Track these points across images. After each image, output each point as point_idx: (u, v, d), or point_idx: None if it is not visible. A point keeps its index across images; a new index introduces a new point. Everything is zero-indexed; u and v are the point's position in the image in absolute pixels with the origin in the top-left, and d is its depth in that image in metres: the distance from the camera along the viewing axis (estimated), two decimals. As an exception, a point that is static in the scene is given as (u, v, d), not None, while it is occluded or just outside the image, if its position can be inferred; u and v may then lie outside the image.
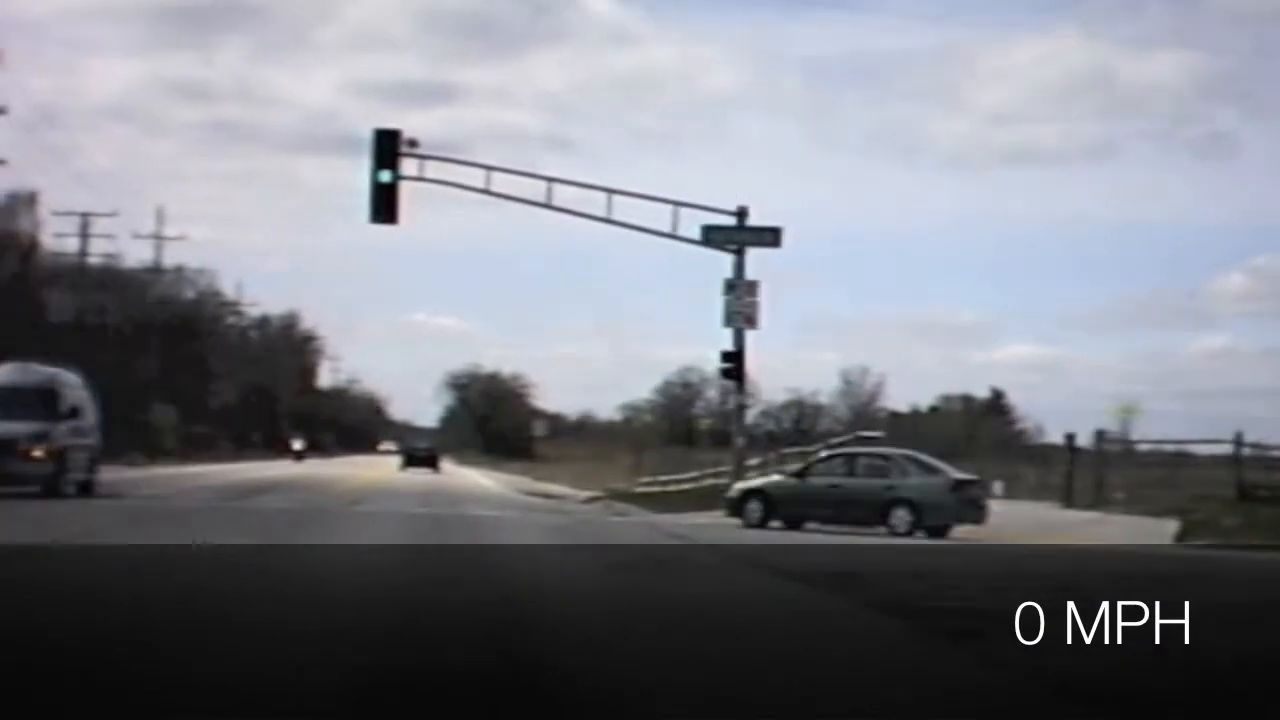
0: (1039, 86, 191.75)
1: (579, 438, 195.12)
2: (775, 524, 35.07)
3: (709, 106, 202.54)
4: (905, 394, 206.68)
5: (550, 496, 54.94)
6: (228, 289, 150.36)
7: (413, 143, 42.51)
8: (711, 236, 42.64)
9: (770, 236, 42.71)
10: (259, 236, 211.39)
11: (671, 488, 63.95)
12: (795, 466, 40.02)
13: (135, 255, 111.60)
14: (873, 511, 34.78)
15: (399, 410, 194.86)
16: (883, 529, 34.24)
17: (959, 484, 35.63)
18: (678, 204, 43.00)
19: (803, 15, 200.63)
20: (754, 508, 35.92)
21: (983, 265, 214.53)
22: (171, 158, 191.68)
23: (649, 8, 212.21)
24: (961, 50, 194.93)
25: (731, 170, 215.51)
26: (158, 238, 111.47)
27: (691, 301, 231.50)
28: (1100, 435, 47.29)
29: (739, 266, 42.56)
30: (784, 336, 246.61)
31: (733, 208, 43.04)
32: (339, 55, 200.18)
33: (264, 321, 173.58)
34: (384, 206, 41.72)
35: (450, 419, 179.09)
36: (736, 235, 42.73)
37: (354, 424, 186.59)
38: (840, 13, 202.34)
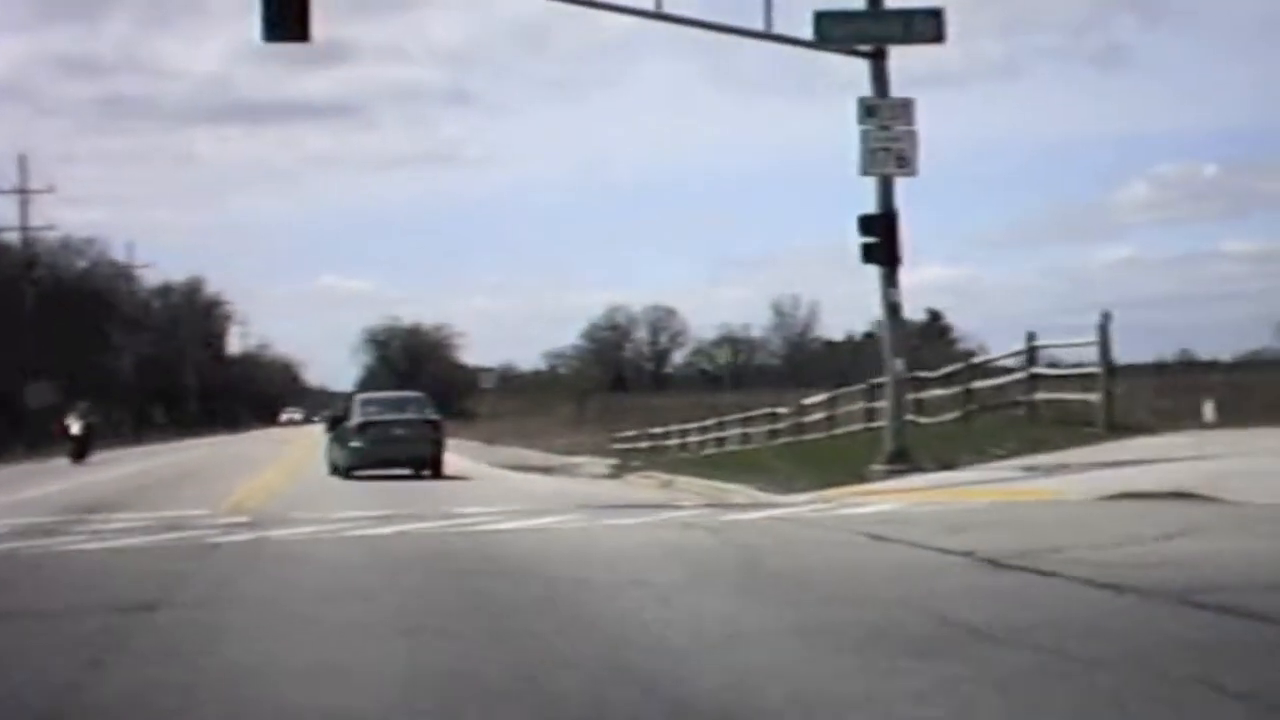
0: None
1: (505, 391, 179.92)
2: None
3: (608, 50, 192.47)
4: (831, 324, 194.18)
5: (574, 473, 35.00)
6: (122, 258, 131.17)
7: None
8: (831, 32, 23.86)
9: (927, 25, 23.83)
10: (158, 212, 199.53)
11: (693, 444, 45.69)
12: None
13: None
14: None
15: (315, 376, 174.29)
16: None
17: None
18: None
19: None
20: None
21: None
22: (64, 136, 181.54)
23: None
24: None
25: (634, 114, 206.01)
26: (21, 192, 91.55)
27: (600, 244, 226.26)
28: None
29: (878, 77, 23.70)
30: (701, 274, 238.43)
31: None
32: (230, 19, 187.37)
33: (165, 290, 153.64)
34: (289, 17, 22.76)
35: (370, 379, 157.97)
36: (873, 27, 23.99)
37: (267, 393, 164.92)
38: None
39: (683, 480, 25.24)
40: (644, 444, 53.22)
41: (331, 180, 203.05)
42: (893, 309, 23.53)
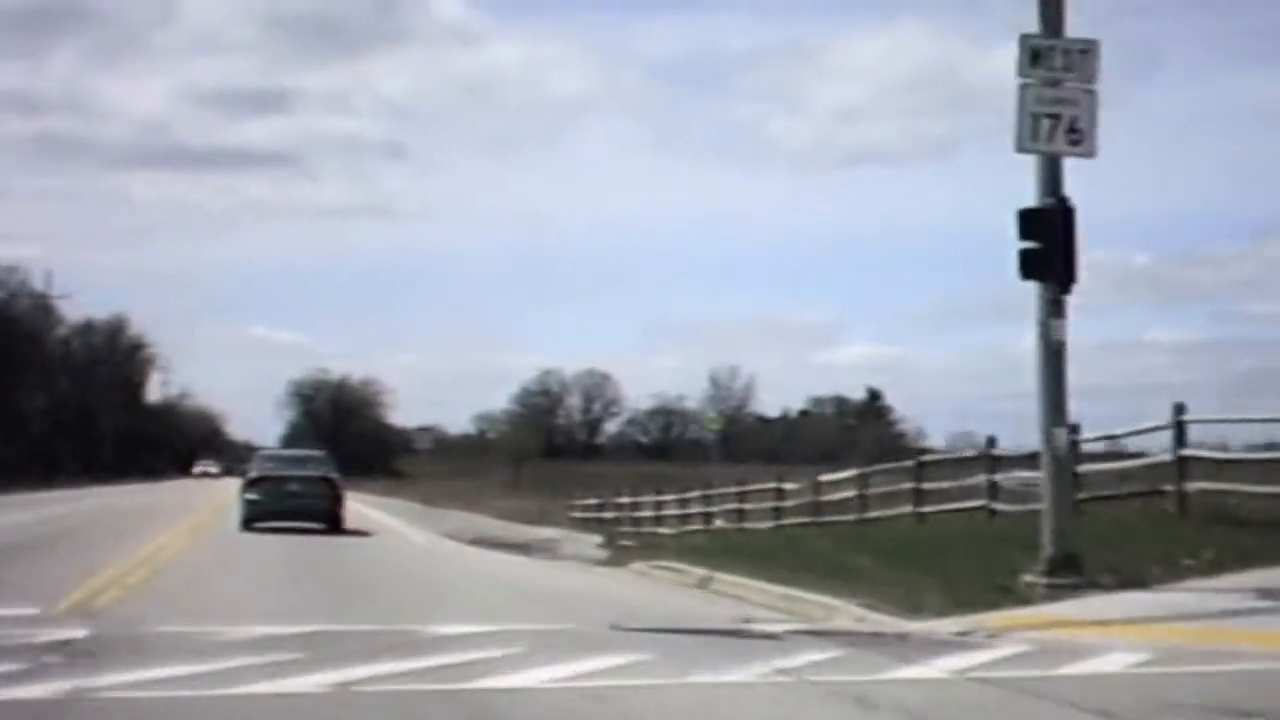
0: (882, 84, 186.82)
1: (434, 452, 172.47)
2: None
3: (552, 110, 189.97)
4: (766, 399, 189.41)
5: (557, 554, 26.76)
6: (42, 288, 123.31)
7: None
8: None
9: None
10: (88, 253, 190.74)
11: (671, 518, 39.02)
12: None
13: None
14: None
15: (239, 429, 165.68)
16: None
17: None
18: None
19: (646, 15, 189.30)
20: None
21: (824, 266, 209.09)
22: None
23: (493, 8, 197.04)
24: (805, 48, 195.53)
25: (572, 174, 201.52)
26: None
27: (535, 306, 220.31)
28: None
29: (1049, 11, 16.51)
30: (631, 340, 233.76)
31: None
32: (174, 61, 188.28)
33: (86, 328, 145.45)
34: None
35: (294, 436, 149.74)
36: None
37: (188, 444, 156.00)
38: (685, 13, 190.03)
39: (726, 580, 18.14)
40: (608, 514, 46.56)
41: (267, 229, 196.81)
42: (1055, 350, 15.78)
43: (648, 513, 41.57)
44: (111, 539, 26.30)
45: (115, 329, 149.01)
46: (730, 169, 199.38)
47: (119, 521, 34.43)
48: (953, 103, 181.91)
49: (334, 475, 34.45)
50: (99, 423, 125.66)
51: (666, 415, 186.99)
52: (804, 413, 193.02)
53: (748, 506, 33.71)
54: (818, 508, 29.39)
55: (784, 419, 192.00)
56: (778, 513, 31.61)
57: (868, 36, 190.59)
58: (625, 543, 27.63)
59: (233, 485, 50.40)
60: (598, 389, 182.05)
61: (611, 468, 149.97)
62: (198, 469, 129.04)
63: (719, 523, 34.63)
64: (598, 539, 28.96)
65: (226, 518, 33.46)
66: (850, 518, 27.26)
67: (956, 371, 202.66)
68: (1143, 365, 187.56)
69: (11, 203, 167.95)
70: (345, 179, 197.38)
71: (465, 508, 62.83)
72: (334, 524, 32.93)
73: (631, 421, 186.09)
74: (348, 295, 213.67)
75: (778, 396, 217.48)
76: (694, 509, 37.54)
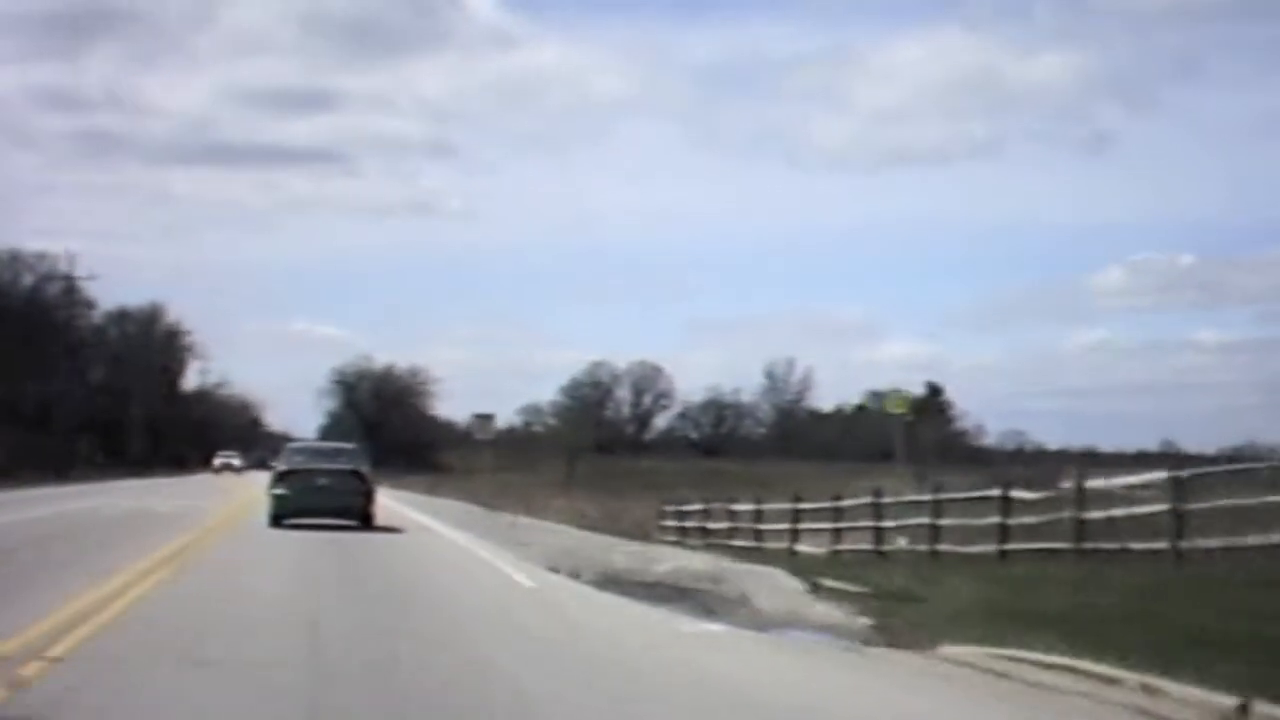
0: (925, 86, 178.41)
1: (476, 447, 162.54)
2: None
3: (594, 111, 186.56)
4: (819, 394, 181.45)
5: (739, 604, 16.46)
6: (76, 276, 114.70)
7: None
8: None
9: None
10: (131, 249, 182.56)
11: (806, 540, 29.67)
12: None
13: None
14: None
15: (279, 421, 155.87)
16: None
17: None
18: None
19: (690, 18, 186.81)
20: None
21: (866, 265, 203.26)
22: (40, 169, 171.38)
23: (534, 11, 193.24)
24: (848, 50, 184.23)
25: (614, 174, 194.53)
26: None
27: (577, 303, 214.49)
28: None
29: None
30: (672, 337, 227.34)
31: None
32: (216, 62, 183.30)
33: (122, 316, 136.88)
34: None
35: (333, 426, 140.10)
36: None
37: (224, 435, 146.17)
38: (727, 14, 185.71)
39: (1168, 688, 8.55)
40: (716, 523, 37.30)
41: (309, 226, 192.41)
42: None
43: (779, 525, 32.09)
44: (92, 555, 17.42)
45: (151, 317, 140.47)
46: (771, 169, 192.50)
47: (86, 537, 25.31)
48: (995, 106, 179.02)
49: (365, 469, 32.50)
50: (129, 412, 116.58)
51: (719, 409, 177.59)
52: (860, 407, 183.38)
53: (945, 523, 24.16)
54: (1079, 528, 19.89)
55: (839, 414, 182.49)
56: (1004, 533, 22.15)
57: (911, 41, 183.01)
58: (829, 583, 17.82)
59: (260, 482, 41.34)
60: (648, 381, 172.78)
61: (666, 464, 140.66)
62: (218, 461, 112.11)
63: (902, 543, 25.21)
64: (796, 583, 18.38)
65: (236, 541, 24.40)
66: (1161, 545, 17.77)
67: (997, 369, 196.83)
68: (1187, 364, 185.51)
69: (54, 199, 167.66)
70: (388, 177, 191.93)
71: (528, 511, 53.62)
72: (365, 520, 31.28)
73: (683, 415, 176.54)
74: (390, 291, 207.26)
75: (824, 392, 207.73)
76: (850, 523, 28.09)
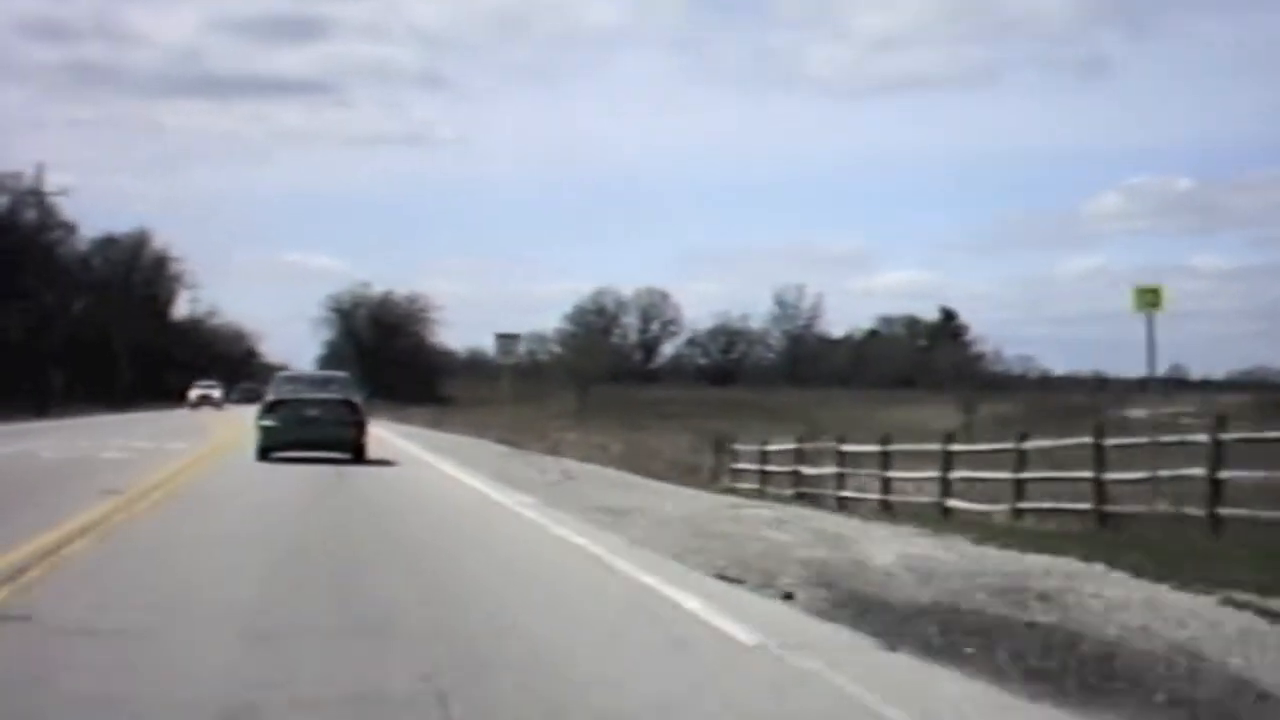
0: (921, 10, 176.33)
1: (477, 376, 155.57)
2: None
3: (587, 38, 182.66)
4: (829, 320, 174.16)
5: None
6: (59, 202, 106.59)
7: None
8: None
9: None
10: (122, 180, 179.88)
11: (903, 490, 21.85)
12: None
13: None
14: None
15: (275, 351, 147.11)
16: None
17: None
18: None
19: None
20: None
21: (862, 193, 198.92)
22: (31, 102, 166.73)
23: None
24: None
25: (608, 103, 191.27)
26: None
27: (571, 234, 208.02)
28: None
29: None
30: (668, 268, 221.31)
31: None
32: None
33: (107, 243, 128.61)
34: None
35: (331, 356, 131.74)
36: None
37: (219, 366, 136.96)
38: None
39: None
40: (808, 468, 29.51)
41: (301, 157, 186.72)
42: None
43: (891, 472, 24.14)
44: None
45: (137, 244, 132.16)
46: (767, 97, 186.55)
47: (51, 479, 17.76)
48: (993, 29, 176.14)
49: (356, 398, 31.05)
50: (113, 343, 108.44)
51: (728, 336, 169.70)
52: (873, 333, 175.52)
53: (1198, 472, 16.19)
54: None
55: (849, 340, 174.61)
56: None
57: None
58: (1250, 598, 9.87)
59: (248, 419, 33.86)
60: (655, 309, 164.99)
61: (678, 392, 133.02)
62: (195, 393, 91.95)
63: (1161, 506, 17.24)
64: (1188, 599, 10.31)
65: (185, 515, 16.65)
66: None
67: (996, 298, 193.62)
68: (1184, 290, 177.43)
69: (44, 133, 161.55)
70: (380, 107, 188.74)
71: (552, 450, 45.98)
72: (357, 453, 29.75)
73: (692, 342, 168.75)
74: (384, 223, 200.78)
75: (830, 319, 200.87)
76: (1034, 472, 20.27)
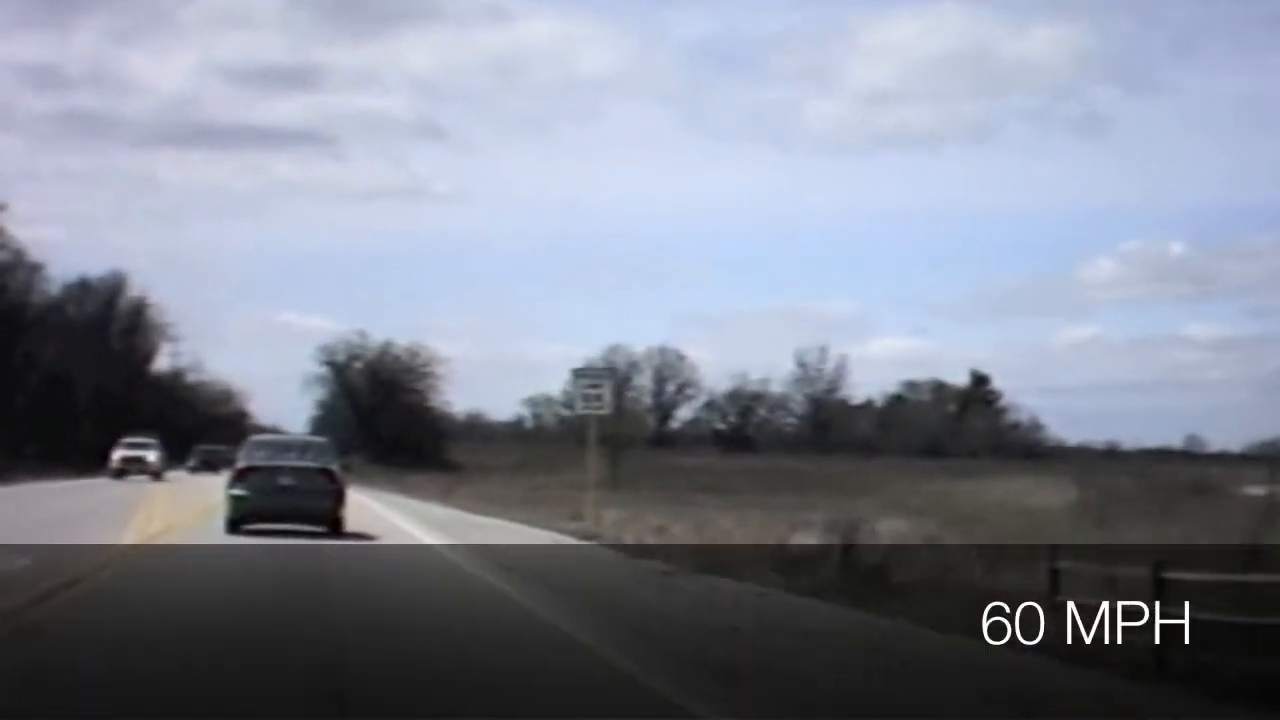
0: (917, 64, 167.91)
1: (476, 439, 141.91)
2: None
3: (583, 90, 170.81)
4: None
5: None
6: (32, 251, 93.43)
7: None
8: None
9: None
10: (114, 235, 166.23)
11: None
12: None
13: None
14: None
15: (267, 413, 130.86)
16: None
17: None
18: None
19: None
20: None
21: (855, 253, 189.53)
22: (22, 153, 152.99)
23: None
24: (840, 27, 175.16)
25: (604, 156, 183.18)
26: None
27: (575, 296, 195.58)
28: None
29: None
30: (659, 330, 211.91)
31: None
32: (200, 36, 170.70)
33: (80, 288, 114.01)
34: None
35: (325, 417, 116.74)
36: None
37: (201, 426, 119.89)
38: None
39: None
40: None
41: (296, 210, 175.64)
42: None
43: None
44: None
45: (113, 287, 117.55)
46: (760, 152, 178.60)
47: None
48: (988, 84, 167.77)
49: (334, 466, 29.35)
50: (73, 398, 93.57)
51: (749, 400, 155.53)
52: (898, 398, 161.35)
53: None
54: None
55: (869, 405, 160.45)
56: None
57: (904, 17, 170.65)
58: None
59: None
60: (670, 368, 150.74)
61: (708, 459, 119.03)
62: (119, 454, 67.40)
63: None
64: None
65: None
66: None
67: (992, 365, 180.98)
68: (1179, 361, 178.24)
69: (35, 184, 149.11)
70: (376, 159, 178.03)
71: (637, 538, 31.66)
72: (334, 526, 28.22)
73: (709, 406, 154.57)
74: (379, 282, 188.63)
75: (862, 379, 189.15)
76: None
